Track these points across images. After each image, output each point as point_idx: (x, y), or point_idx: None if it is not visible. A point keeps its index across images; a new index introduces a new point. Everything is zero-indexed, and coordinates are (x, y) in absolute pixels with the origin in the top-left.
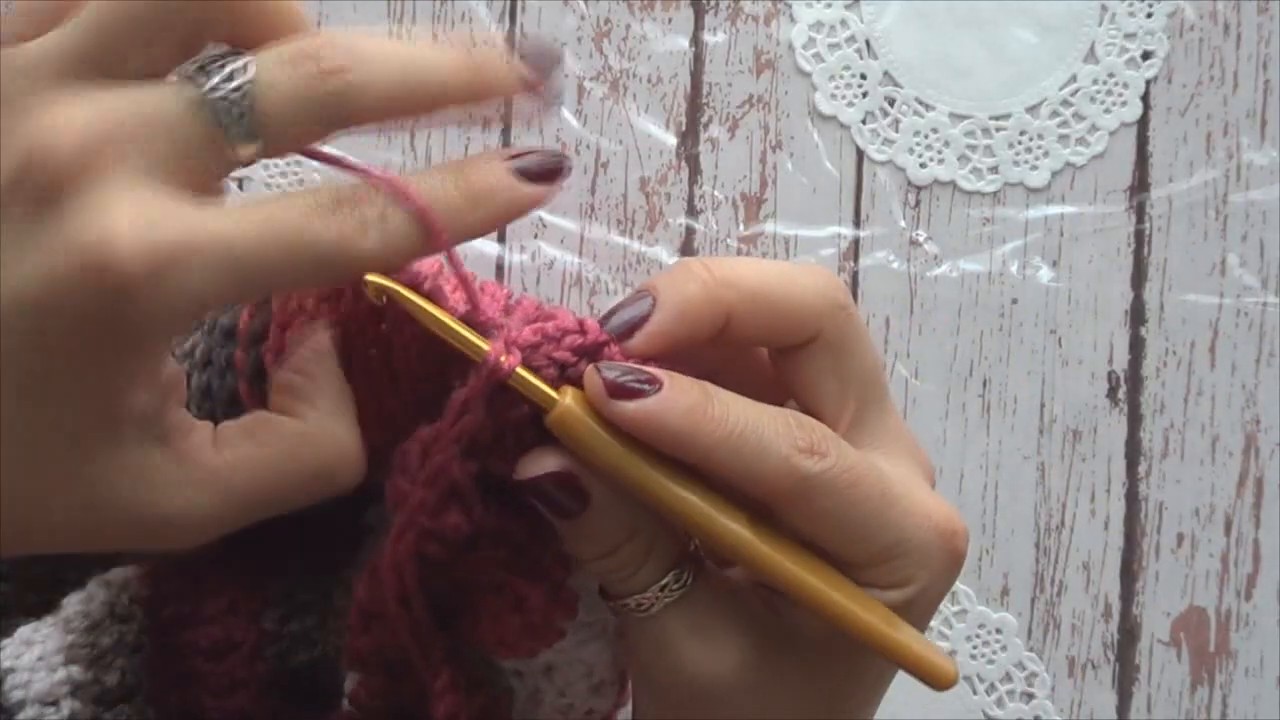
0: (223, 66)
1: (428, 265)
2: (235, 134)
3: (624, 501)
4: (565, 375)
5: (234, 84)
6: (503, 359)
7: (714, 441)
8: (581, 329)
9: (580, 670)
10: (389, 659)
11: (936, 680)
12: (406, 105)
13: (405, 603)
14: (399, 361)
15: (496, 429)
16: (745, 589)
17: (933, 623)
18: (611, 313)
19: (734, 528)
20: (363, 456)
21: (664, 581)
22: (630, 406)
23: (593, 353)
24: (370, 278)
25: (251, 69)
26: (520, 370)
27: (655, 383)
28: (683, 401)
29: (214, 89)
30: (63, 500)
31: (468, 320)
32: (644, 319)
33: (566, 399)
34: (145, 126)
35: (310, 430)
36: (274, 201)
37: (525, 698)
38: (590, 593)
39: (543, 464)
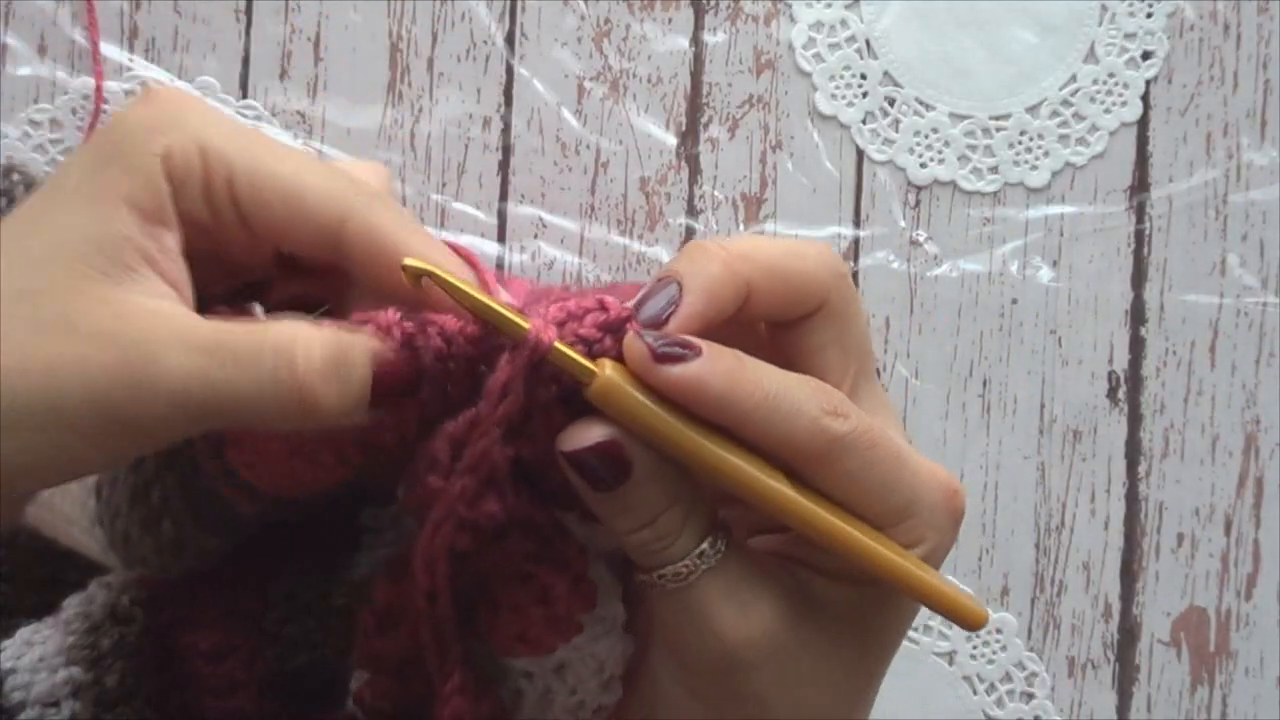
0: None
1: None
2: None
3: (664, 470)
4: (591, 351)
5: None
6: (542, 335)
7: (752, 404)
8: (602, 306)
9: (593, 666)
10: (401, 660)
11: (970, 620)
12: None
13: (432, 598)
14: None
15: (526, 412)
16: (769, 558)
17: (933, 622)
18: (640, 303)
19: (778, 485)
20: (342, 414)
21: (701, 549)
22: (674, 370)
23: (616, 328)
24: (408, 262)
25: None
26: (559, 345)
27: (694, 348)
28: (722, 365)
29: None
30: (48, 327)
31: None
32: (674, 305)
33: (607, 370)
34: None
35: (282, 325)
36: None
37: (535, 699)
38: (604, 586)
39: (588, 435)
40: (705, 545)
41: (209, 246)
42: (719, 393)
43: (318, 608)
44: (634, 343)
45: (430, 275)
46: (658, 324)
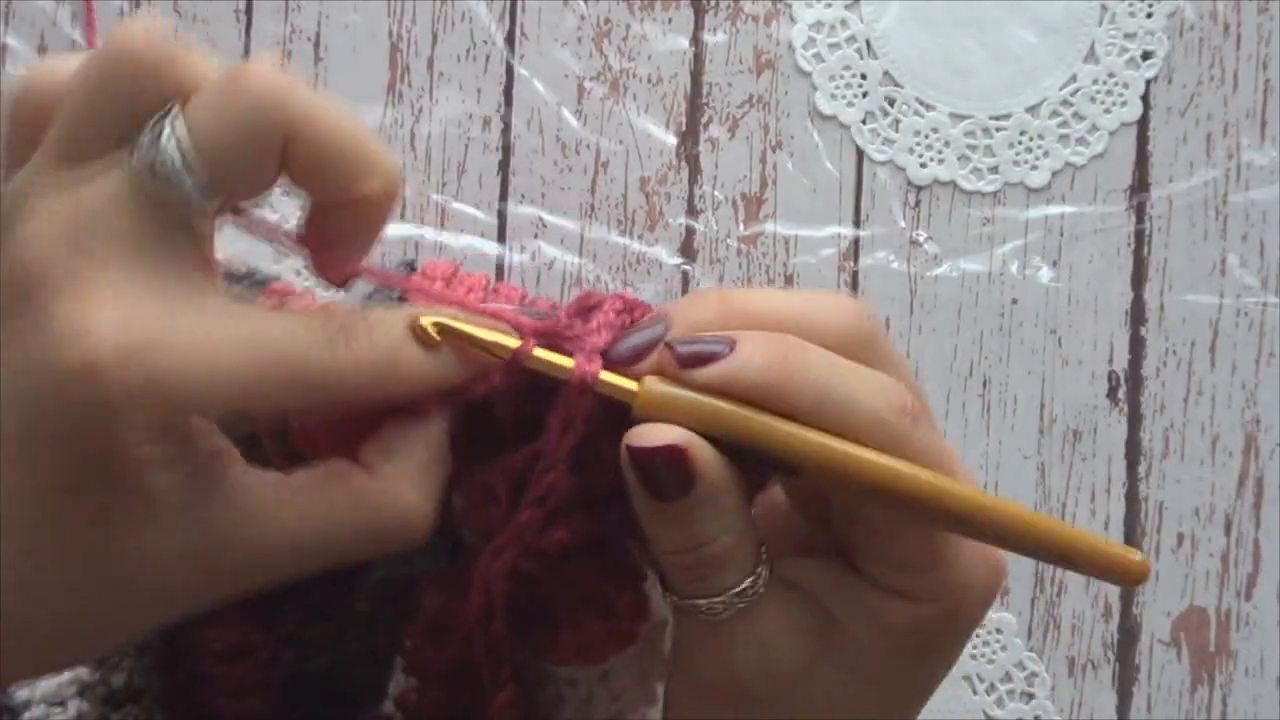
0: (152, 127)
1: (442, 269)
2: (185, 189)
3: (725, 495)
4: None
5: (163, 139)
6: (586, 371)
7: (796, 391)
8: (625, 305)
9: (637, 674)
10: (451, 669)
11: (1132, 572)
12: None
13: (486, 619)
14: None
15: (592, 439)
16: (809, 596)
17: None
18: (625, 337)
19: (847, 446)
20: (430, 524)
21: (741, 587)
22: (702, 372)
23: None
24: (425, 321)
25: (177, 119)
26: (602, 376)
27: (725, 344)
28: (758, 357)
29: (146, 151)
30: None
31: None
32: (656, 344)
33: (647, 384)
34: (101, 210)
35: (380, 489)
36: (266, 319)
37: (577, 704)
38: (655, 594)
39: (660, 435)
40: (746, 584)
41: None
42: (753, 384)
43: (337, 610)
44: (661, 355)
45: (451, 331)
46: (631, 359)
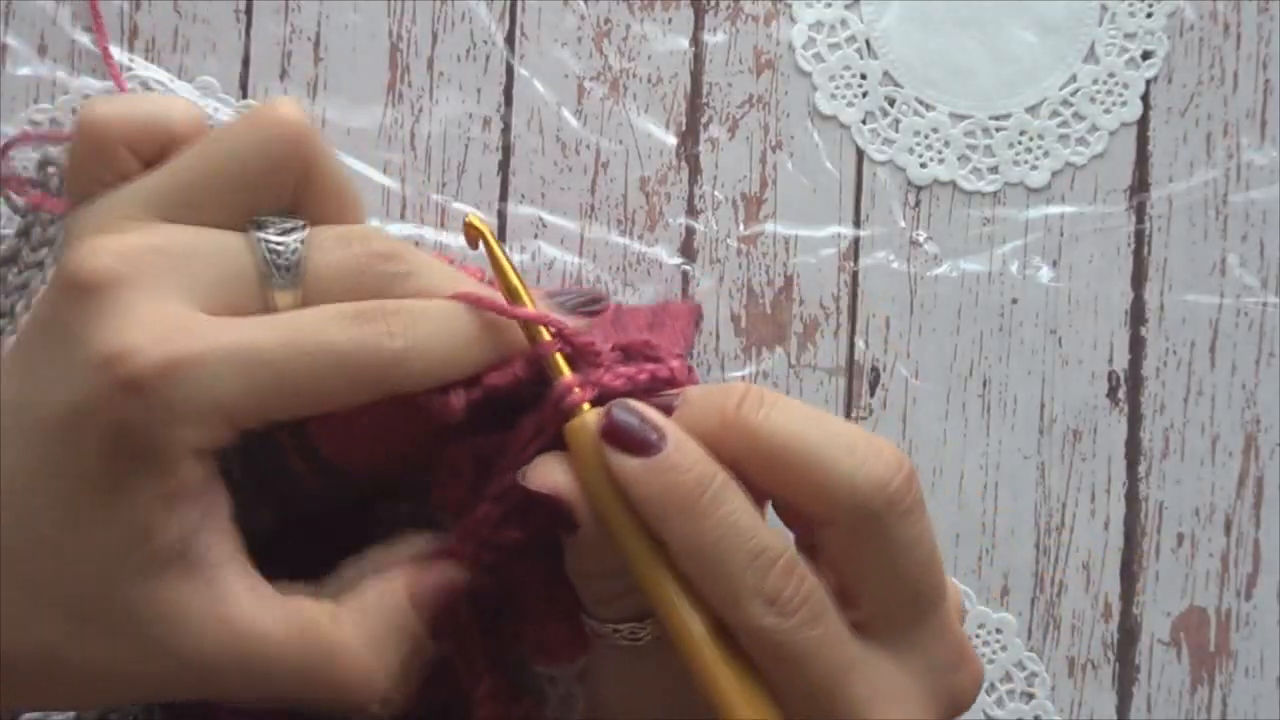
0: (283, 222)
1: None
2: (278, 281)
3: (608, 544)
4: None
5: (290, 239)
6: (576, 390)
7: (678, 537)
8: (672, 377)
9: None
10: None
11: None
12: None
13: (451, 612)
14: None
15: (561, 447)
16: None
17: None
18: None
19: (687, 620)
20: (382, 694)
21: (625, 629)
22: (613, 457)
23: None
24: (472, 218)
25: (307, 231)
26: (585, 405)
27: (653, 446)
28: (660, 479)
29: (270, 237)
30: (91, 642)
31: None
32: (665, 411)
33: (587, 414)
34: (193, 255)
35: (347, 651)
36: (296, 313)
37: (557, 702)
38: None
39: (546, 479)
40: (629, 628)
41: None
42: (639, 499)
43: None
44: (608, 411)
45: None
46: (629, 432)
